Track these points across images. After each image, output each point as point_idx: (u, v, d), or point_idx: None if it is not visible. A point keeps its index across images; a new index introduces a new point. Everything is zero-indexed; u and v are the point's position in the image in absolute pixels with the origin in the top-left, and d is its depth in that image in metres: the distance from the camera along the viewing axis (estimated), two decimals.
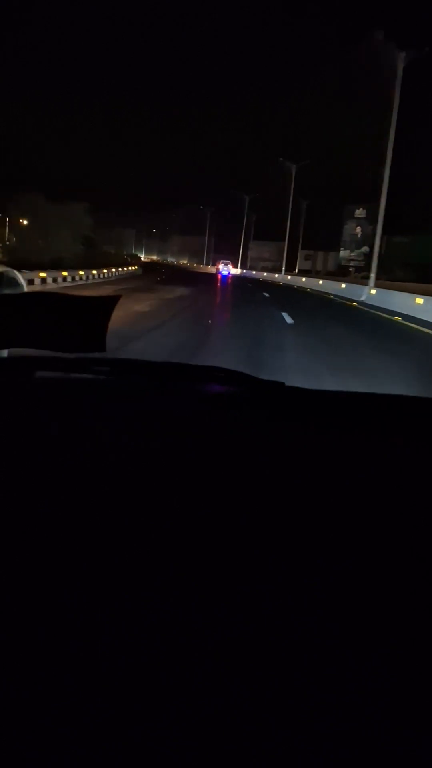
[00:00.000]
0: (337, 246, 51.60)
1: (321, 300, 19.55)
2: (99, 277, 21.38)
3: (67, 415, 0.67)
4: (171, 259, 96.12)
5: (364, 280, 32.29)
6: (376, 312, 14.56)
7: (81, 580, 0.36)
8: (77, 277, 18.48)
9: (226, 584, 0.36)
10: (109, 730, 0.26)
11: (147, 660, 0.30)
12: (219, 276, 41.69)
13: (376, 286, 19.94)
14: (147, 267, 48.76)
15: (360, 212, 48.61)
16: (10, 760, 0.24)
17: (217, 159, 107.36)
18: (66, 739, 0.25)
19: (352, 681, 0.29)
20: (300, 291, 26.03)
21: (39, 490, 0.47)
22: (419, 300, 13.28)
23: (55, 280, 16.44)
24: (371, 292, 18.77)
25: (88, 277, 19.67)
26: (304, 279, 33.07)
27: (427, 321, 11.82)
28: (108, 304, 0.83)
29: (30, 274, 13.99)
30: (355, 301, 18.58)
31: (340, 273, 45.65)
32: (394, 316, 13.28)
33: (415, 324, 11.35)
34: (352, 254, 49.30)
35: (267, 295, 19.71)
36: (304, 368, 5.54)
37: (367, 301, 18.10)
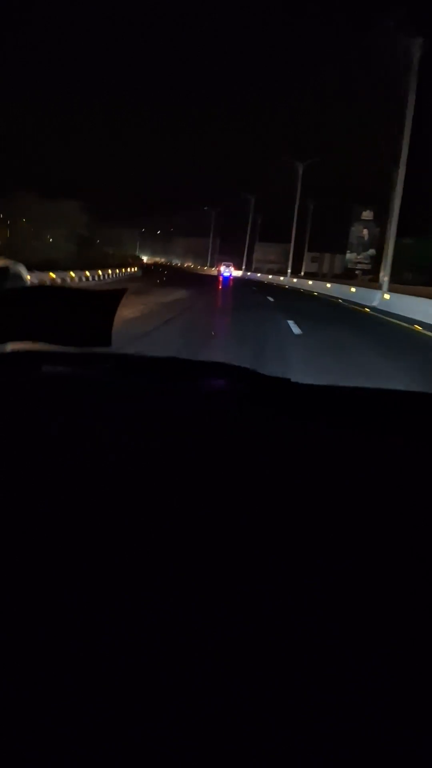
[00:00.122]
0: (344, 248, 50.75)
1: (330, 305, 18.18)
2: (93, 279, 20.11)
3: (69, 411, 0.66)
4: (176, 261, 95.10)
5: (372, 283, 31.12)
6: (391, 320, 13.18)
7: (81, 580, 0.35)
8: (68, 279, 17.18)
9: (226, 584, 0.36)
10: (109, 730, 0.26)
11: (147, 660, 0.30)
12: (220, 278, 40.72)
13: (389, 290, 18.56)
14: (149, 269, 47.85)
15: (367, 214, 47.80)
16: (10, 760, 0.24)
17: (222, 160, 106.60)
18: (66, 739, 0.25)
19: (352, 681, 0.29)
20: (307, 295, 24.67)
21: (39, 489, 0.47)
22: None
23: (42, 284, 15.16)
24: (384, 297, 17.34)
25: (80, 279, 18.38)
26: (310, 282, 31.74)
27: None
28: (114, 297, 0.83)
29: None
30: (367, 307, 17.19)
31: (346, 276, 44.88)
32: (412, 324, 11.94)
33: None
34: (359, 257, 48.47)
35: (271, 299, 18.39)
36: None
37: (380, 307, 16.69)
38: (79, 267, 19.76)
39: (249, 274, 55.56)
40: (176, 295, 15.52)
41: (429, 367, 6.69)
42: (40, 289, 0.93)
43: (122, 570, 0.36)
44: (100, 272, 21.67)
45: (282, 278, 41.40)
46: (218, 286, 27.18)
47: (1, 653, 0.29)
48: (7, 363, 0.84)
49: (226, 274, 49.76)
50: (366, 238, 48.44)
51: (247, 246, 67.50)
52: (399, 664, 0.30)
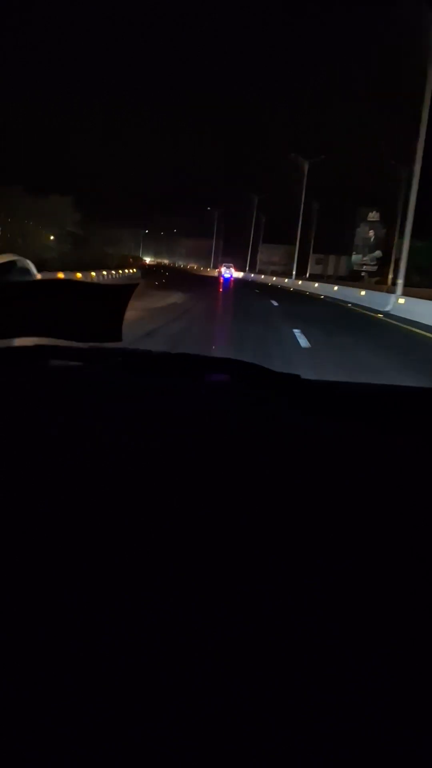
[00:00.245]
0: (349, 250, 49.69)
1: (339, 311, 16.74)
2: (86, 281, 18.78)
3: (76, 407, 0.66)
4: (181, 263, 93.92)
5: (379, 286, 29.77)
6: (413, 329, 11.71)
7: (81, 580, 0.35)
8: None
9: (226, 584, 0.36)
10: (109, 730, 0.26)
11: (147, 660, 0.30)
12: (221, 279, 39.84)
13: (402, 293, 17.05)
14: (151, 270, 46.89)
15: (373, 215, 46.69)
16: (10, 760, 0.24)
17: (225, 161, 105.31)
18: (66, 739, 0.25)
19: (352, 681, 0.29)
20: (313, 299, 23.24)
21: (39, 489, 0.46)
22: None
23: None
24: (399, 302, 15.83)
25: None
26: (316, 284, 30.27)
27: None
28: (125, 292, 0.82)
29: None
30: (380, 312, 15.73)
31: (351, 278, 43.87)
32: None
33: None
34: (365, 258, 47.31)
35: (275, 303, 16.96)
36: None
37: (394, 313, 15.18)
38: (73, 269, 18.50)
39: (253, 276, 54.35)
40: (170, 299, 14.12)
41: None
42: (49, 283, 0.90)
43: (122, 570, 0.36)
44: (93, 274, 20.41)
45: (286, 280, 40.04)
46: (219, 288, 25.83)
47: (1, 653, 0.30)
48: (15, 358, 0.82)
49: (227, 275, 49.68)
50: (372, 239, 47.33)
51: (250, 247, 66.32)
52: (399, 664, 0.30)
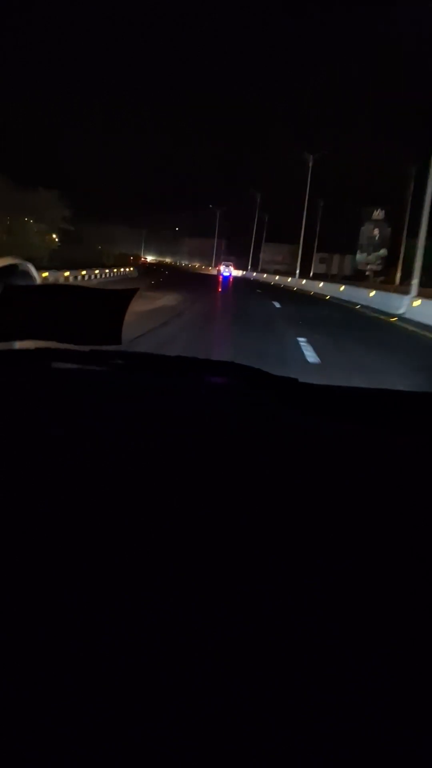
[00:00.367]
0: (353, 249, 48.43)
1: (348, 314, 15.36)
2: (77, 281, 17.51)
3: (76, 407, 0.67)
4: (184, 262, 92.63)
5: (385, 285, 28.36)
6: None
7: (81, 579, 0.35)
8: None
9: (226, 584, 0.36)
10: (109, 730, 0.26)
11: (147, 660, 0.30)
12: (220, 278, 38.95)
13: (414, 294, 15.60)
14: (151, 268, 45.88)
15: (378, 214, 45.44)
16: (10, 760, 0.24)
17: (226, 159, 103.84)
18: (66, 739, 0.25)
19: (352, 681, 0.29)
20: (318, 299, 21.85)
21: (39, 490, 0.47)
22: None
23: None
24: (413, 305, 14.38)
25: (57, 281, 15.78)
26: (321, 284, 28.83)
27: None
28: (125, 296, 0.84)
29: None
30: (394, 316, 14.34)
31: (356, 277, 42.53)
32: None
33: None
34: (369, 257, 46.03)
35: (277, 305, 15.62)
36: None
37: (410, 317, 13.74)
38: (64, 267, 17.26)
39: (255, 274, 53.08)
40: (164, 300, 12.77)
41: None
42: (50, 287, 0.90)
43: (122, 570, 0.36)
44: (83, 272, 19.12)
45: (289, 279, 38.66)
46: (218, 288, 24.50)
47: (1, 653, 0.30)
48: (15, 360, 0.83)
49: (226, 273, 49.28)
50: (377, 238, 46.07)
51: (252, 245, 65.08)
52: (399, 664, 0.30)
